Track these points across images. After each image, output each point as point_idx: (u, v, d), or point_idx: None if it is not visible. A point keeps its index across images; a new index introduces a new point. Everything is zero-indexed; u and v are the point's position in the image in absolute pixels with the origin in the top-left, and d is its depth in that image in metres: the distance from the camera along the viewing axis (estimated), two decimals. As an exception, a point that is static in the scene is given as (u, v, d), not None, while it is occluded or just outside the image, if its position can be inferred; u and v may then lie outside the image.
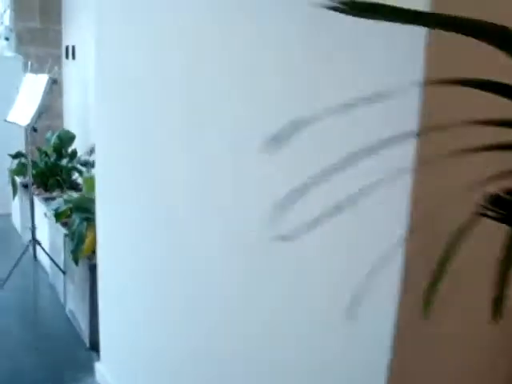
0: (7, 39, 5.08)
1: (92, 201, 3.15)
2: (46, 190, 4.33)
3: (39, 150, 4.37)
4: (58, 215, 3.22)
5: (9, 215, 5.04)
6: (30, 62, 3.47)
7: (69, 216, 3.40)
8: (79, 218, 3.00)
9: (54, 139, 4.40)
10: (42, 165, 4.30)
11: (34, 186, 4.48)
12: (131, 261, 2.15)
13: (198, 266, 1.61)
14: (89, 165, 4.07)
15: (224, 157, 1.35)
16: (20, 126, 3.18)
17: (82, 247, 2.94)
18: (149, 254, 1.99)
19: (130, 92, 1.78)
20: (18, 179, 4.52)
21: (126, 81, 1.82)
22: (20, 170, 4.29)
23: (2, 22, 5.07)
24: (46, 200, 4.04)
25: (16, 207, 4.72)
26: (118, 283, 2.34)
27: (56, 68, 4.07)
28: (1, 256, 4.41)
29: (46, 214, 3.41)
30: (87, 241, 2.97)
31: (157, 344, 2.03)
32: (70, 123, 5.61)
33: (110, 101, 2.03)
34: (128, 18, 1.76)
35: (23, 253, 3.42)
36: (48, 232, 3.63)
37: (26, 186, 4.52)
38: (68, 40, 5.85)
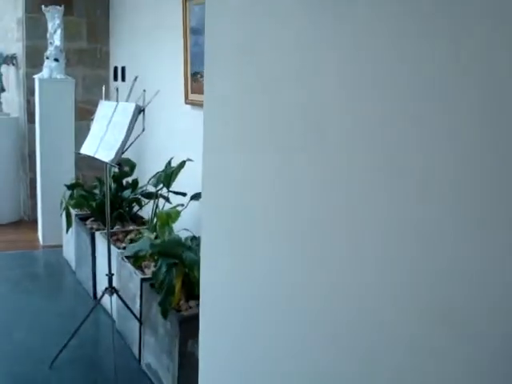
0: (57, 60, 4.79)
1: (178, 244, 2.81)
2: (105, 223, 3.99)
3: (99, 179, 4.04)
4: (138, 259, 2.88)
5: (59, 247, 4.71)
6: (103, 88, 3.13)
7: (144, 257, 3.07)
8: (166, 265, 2.65)
9: (113, 168, 4.06)
10: (101, 196, 3.96)
11: (92, 219, 4.15)
12: (258, 321, 1.79)
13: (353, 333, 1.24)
14: (154, 196, 3.72)
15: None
16: (102, 162, 2.85)
17: (171, 298, 2.59)
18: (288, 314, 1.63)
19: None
20: (74, 211, 4.19)
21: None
22: (79, 203, 3.95)
23: (51, 43, 4.77)
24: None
25: (69, 240, 4.39)
26: (237, 343, 1.97)
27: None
28: (56, 297, 4.07)
29: (123, 259, 3.06)
30: (176, 290, 2.63)
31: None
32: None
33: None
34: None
35: (92, 310, 3.06)
36: (117, 274, 3.27)
37: (82, 219, 4.18)
38: (116, 61, 5.56)
